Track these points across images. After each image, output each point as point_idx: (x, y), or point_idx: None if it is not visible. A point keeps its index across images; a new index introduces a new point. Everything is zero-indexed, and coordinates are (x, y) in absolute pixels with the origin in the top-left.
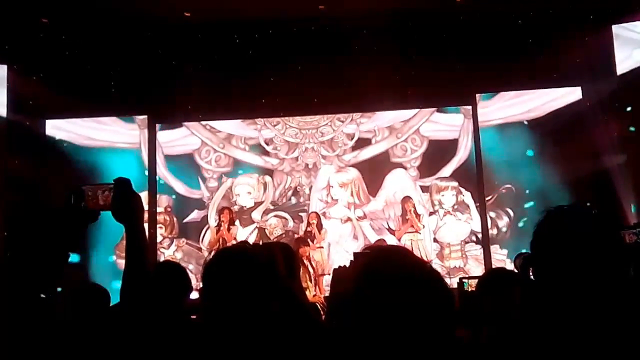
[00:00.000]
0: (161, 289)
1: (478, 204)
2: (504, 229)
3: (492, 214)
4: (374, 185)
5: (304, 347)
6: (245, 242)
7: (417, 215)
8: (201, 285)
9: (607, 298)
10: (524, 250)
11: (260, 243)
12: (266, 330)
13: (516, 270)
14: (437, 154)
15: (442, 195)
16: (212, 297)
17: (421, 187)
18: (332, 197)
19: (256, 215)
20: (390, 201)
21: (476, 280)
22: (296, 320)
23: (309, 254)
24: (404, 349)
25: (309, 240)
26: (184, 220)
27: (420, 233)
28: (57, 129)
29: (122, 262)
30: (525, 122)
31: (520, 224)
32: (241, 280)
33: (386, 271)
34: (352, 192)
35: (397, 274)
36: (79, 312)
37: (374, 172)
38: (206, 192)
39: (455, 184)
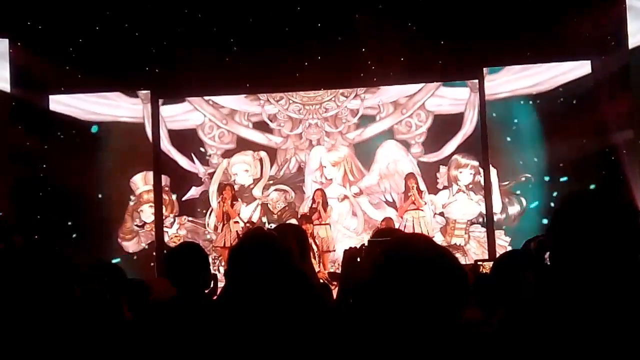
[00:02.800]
0: (182, 271)
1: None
2: (514, 217)
3: (505, 199)
4: (366, 160)
5: (316, 326)
6: (260, 227)
7: (420, 192)
8: (226, 267)
9: (622, 284)
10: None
11: (265, 224)
12: (283, 309)
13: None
14: (442, 129)
15: (460, 172)
16: (237, 278)
17: (428, 163)
18: (326, 177)
19: (257, 191)
20: (385, 174)
21: (491, 263)
22: (309, 301)
23: (313, 230)
24: (421, 333)
25: (313, 217)
26: (183, 198)
27: (422, 210)
28: (60, 103)
29: (126, 245)
30: (532, 96)
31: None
32: (265, 263)
33: (404, 260)
34: (345, 169)
35: (415, 261)
36: (96, 288)
37: (365, 147)
38: (201, 168)
39: (476, 163)
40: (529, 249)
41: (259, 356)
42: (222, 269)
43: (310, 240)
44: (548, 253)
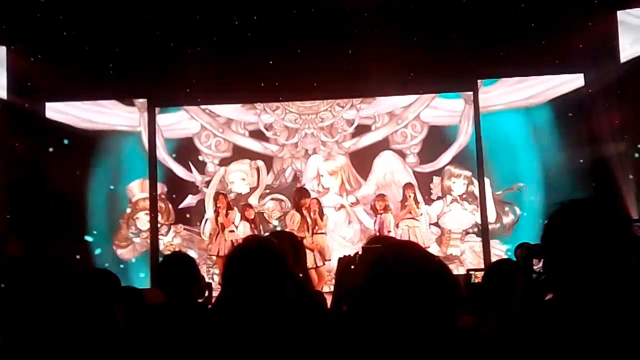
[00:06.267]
0: (170, 282)
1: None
2: (508, 226)
3: (499, 209)
4: (363, 169)
5: (311, 333)
6: (258, 236)
7: (417, 203)
8: (222, 273)
9: (616, 290)
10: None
11: (261, 232)
12: (279, 317)
13: (516, 260)
14: (437, 140)
15: (453, 182)
16: (232, 285)
17: (423, 173)
18: (323, 186)
19: (253, 200)
20: (382, 184)
21: (482, 273)
22: (305, 309)
23: (311, 205)
24: (413, 338)
25: (309, 191)
26: (179, 206)
27: (417, 220)
28: (57, 111)
29: (121, 252)
30: (526, 108)
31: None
32: (260, 271)
33: (397, 266)
34: (342, 179)
35: (408, 268)
36: (91, 295)
37: (363, 156)
38: (198, 177)
39: (469, 173)
40: (516, 256)
41: None
42: (216, 278)
43: (306, 214)
44: (535, 259)
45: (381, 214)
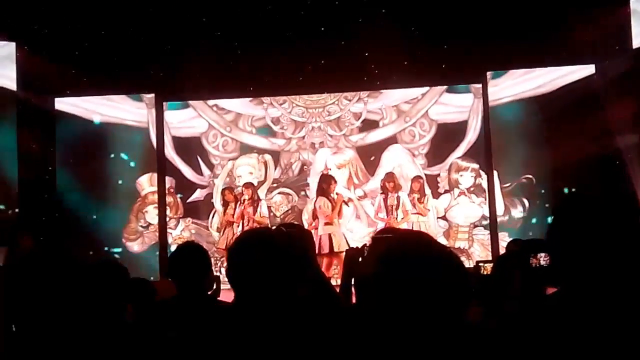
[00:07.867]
0: (184, 271)
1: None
2: (517, 218)
3: (508, 201)
4: (371, 163)
5: (328, 328)
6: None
7: (424, 196)
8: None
9: (625, 284)
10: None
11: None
12: (293, 314)
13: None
14: (445, 139)
15: (461, 175)
16: (237, 281)
17: (432, 175)
18: None
19: (260, 194)
20: None
21: (491, 265)
22: (323, 303)
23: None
24: (424, 328)
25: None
26: (188, 200)
27: (424, 215)
28: (66, 105)
29: (130, 245)
30: (535, 98)
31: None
32: (266, 264)
33: (408, 255)
34: (350, 172)
35: (419, 258)
36: (99, 287)
37: (371, 150)
38: (207, 171)
39: (476, 165)
40: (508, 251)
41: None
42: (224, 271)
43: (331, 197)
44: (533, 254)
45: (394, 193)
